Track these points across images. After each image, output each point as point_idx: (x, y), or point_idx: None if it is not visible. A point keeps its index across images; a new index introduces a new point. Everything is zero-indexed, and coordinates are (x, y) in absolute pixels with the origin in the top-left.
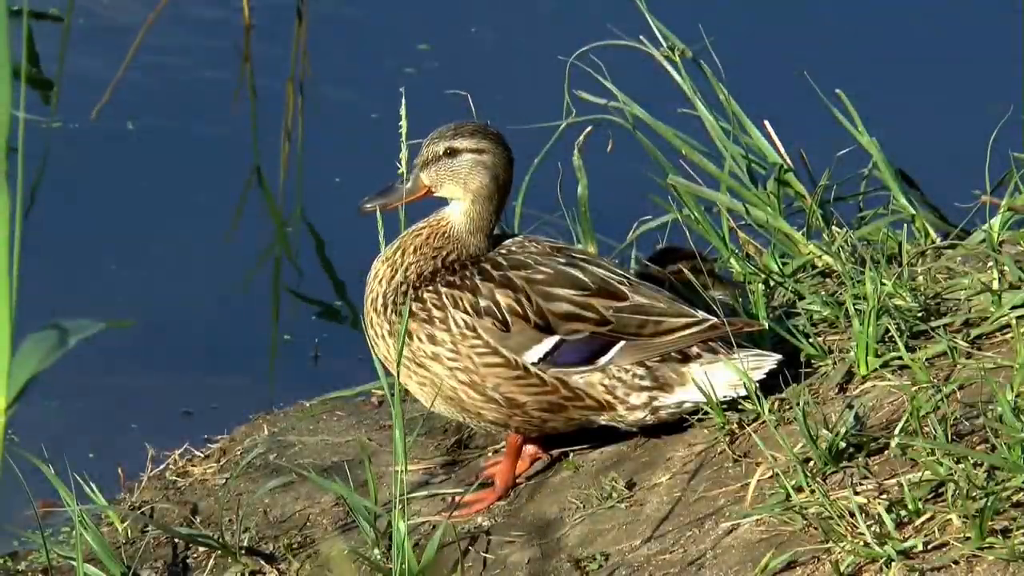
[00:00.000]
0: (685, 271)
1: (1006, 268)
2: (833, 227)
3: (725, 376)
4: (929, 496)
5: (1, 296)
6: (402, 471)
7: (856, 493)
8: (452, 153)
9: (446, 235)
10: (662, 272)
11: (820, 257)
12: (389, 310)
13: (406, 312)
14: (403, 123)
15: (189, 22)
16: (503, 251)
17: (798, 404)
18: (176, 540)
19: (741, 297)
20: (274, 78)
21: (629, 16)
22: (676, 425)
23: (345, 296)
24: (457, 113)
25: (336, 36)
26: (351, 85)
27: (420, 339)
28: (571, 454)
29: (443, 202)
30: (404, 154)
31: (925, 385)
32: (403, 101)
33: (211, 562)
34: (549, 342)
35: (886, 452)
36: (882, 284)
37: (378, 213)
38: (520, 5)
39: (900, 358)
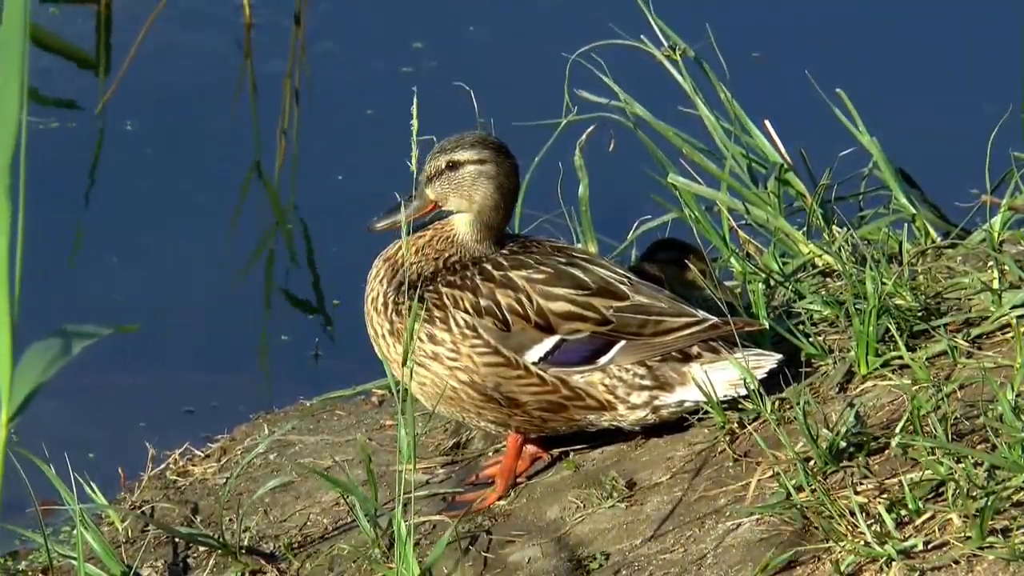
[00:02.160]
0: (692, 267)
1: (1006, 267)
2: (833, 226)
3: (726, 375)
4: (929, 495)
5: (1, 310)
6: (408, 469)
7: (856, 492)
8: (454, 166)
9: (450, 240)
10: (655, 269)
11: (820, 256)
12: (389, 309)
13: (414, 312)
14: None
15: (188, 20)
16: (504, 251)
17: (799, 403)
18: (176, 539)
19: (738, 294)
20: (274, 76)
21: (629, 14)
22: (677, 424)
23: (322, 301)
24: (457, 111)
25: (334, 34)
26: (349, 83)
27: (420, 339)
28: (571, 453)
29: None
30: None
31: (925, 384)
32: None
33: (211, 561)
34: (550, 342)
35: (887, 451)
36: (882, 283)
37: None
38: (519, 2)
39: (900, 357)
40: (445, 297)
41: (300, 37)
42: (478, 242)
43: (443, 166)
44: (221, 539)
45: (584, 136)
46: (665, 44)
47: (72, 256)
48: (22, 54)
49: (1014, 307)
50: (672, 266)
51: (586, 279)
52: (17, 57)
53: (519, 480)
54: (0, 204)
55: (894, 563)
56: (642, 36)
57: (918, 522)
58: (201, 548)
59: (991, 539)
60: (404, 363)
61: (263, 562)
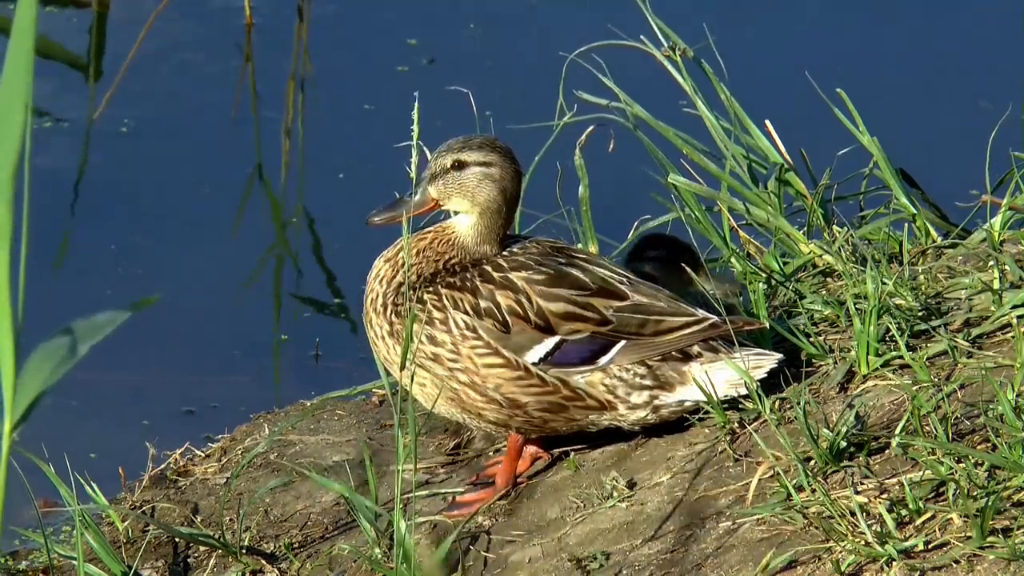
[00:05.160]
0: (687, 270)
1: (1007, 267)
2: (834, 226)
3: (726, 375)
4: (930, 495)
5: (3, 316)
6: (404, 469)
7: (857, 492)
8: (460, 166)
9: (450, 243)
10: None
11: (821, 256)
12: (389, 310)
13: (411, 313)
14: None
15: (188, 20)
16: (504, 252)
17: (799, 403)
18: (177, 539)
19: (740, 292)
20: (274, 76)
21: (628, 12)
22: (677, 424)
23: (323, 301)
24: (456, 112)
25: (331, 33)
26: (345, 81)
27: (420, 340)
28: (572, 453)
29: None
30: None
31: (926, 384)
32: None
33: (212, 561)
34: (550, 342)
35: (887, 451)
36: (883, 283)
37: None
38: (517, 2)
39: (901, 357)
40: (445, 298)
41: (303, 37)
42: (478, 245)
43: (448, 165)
44: (221, 539)
45: (584, 136)
46: (665, 44)
47: (72, 257)
48: (29, 65)
49: (1014, 307)
50: (664, 264)
51: (586, 279)
52: (24, 71)
53: (519, 480)
54: (1, 216)
55: (894, 563)
56: (642, 36)
57: (918, 522)
58: (201, 548)
59: (991, 539)
60: (403, 366)
61: (263, 562)
